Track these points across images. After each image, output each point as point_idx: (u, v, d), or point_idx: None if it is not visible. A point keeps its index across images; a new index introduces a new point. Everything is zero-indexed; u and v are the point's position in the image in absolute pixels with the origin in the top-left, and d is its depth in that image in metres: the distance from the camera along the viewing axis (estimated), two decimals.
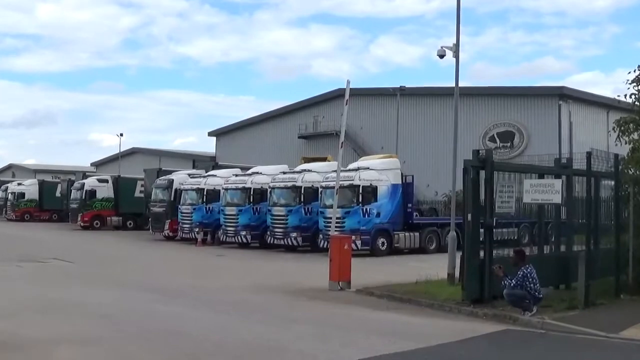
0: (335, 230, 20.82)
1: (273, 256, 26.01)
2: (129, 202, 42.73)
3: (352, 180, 25.34)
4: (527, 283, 12.10)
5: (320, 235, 25.87)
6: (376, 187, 25.65)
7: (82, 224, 42.34)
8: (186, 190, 32.92)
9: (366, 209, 25.31)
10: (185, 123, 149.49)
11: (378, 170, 26.19)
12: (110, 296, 14.26)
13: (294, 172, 28.74)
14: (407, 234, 26.47)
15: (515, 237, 16.87)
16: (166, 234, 34.34)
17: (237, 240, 29.39)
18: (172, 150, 77.94)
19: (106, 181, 44.16)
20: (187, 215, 32.46)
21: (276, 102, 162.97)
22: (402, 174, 27.16)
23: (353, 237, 21.45)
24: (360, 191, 25.24)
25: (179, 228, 33.01)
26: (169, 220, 33.91)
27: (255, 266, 22.28)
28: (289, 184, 27.43)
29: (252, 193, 29.01)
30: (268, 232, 28.13)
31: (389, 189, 26.11)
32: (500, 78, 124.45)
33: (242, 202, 29.27)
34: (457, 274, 15.27)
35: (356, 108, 51.48)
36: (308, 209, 27.21)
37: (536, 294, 12.18)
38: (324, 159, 32.94)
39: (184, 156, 71.47)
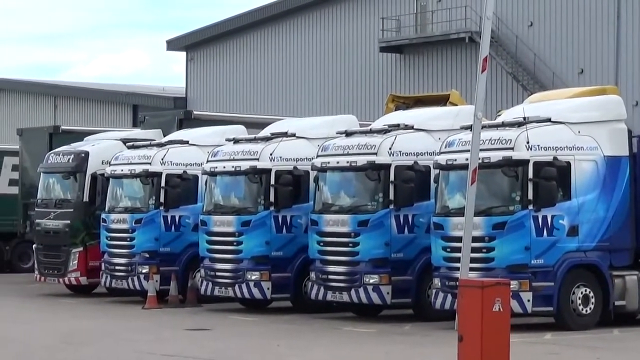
0: (472, 270, 20.73)
1: (324, 329, 26.32)
2: None
3: (510, 148, 25.24)
4: None
5: (435, 281, 26.08)
6: (568, 164, 25.44)
7: None
8: (118, 177, 33.49)
9: (544, 218, 25.22)
10: (114, 20, 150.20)
11: (571, 124, 26.03)
12: None
13: (369, 133, 28.92)
14: None
15: None
16: (72, 281, 35.06)
17: (238, 294, 29.85)
18: (82, 85, 79.00)
19: None
20: (120, 237, 33.09)
21: None
22: (630, 133, 26.92)
23: (513, 285, 21.34)
24: (530, 175, 25.11)
25: (103, 267, 33.62)
26: (80, 250, 34.63)
27: (279, 358, 22.45)
28: (359, 160, 27.46)
29: (273, 182, 29.35)
30: (311, 274, 28.51)
31: (598, 168, 25.98)
32: None
33: (251, 203, 29.82)
34: None
35: None
36: (405, 217, 27.48)
37: None
38: (441, 99, 32.93)
39: (112, 98, 72.19)
